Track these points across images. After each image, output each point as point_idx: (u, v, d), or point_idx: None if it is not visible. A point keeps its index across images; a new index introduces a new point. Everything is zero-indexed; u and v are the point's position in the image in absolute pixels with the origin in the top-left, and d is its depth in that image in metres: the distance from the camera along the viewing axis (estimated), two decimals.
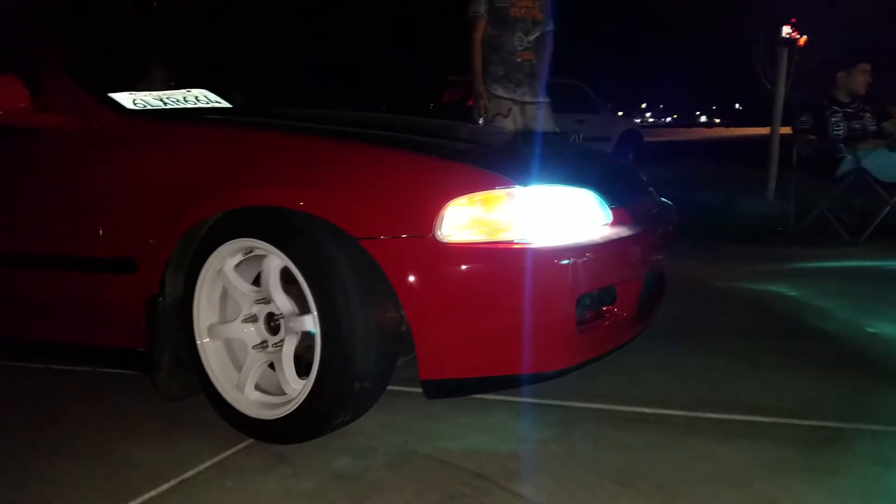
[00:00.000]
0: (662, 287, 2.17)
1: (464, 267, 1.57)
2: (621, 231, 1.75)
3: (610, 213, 1.76)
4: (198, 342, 1.69)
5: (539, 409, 1.90)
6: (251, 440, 1.69)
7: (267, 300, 1.68)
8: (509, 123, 3.37)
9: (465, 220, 1.57)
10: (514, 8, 3.33)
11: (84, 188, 1.74)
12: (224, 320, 1.71)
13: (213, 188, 1.63)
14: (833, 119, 4.54)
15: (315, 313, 1.56)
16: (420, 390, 1.66)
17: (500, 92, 3.38)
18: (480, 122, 3.42)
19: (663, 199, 2.29)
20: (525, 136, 2.11)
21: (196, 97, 1.99)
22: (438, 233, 1.55)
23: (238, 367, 1.71)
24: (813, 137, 4.57)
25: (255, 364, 1.68)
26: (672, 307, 2.74)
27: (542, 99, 3.48)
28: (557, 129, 3.56)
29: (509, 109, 3.38)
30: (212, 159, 1.69)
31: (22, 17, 2.00)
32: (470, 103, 3.47)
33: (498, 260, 1.58)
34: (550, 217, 1.66)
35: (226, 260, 1.66)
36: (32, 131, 1.75)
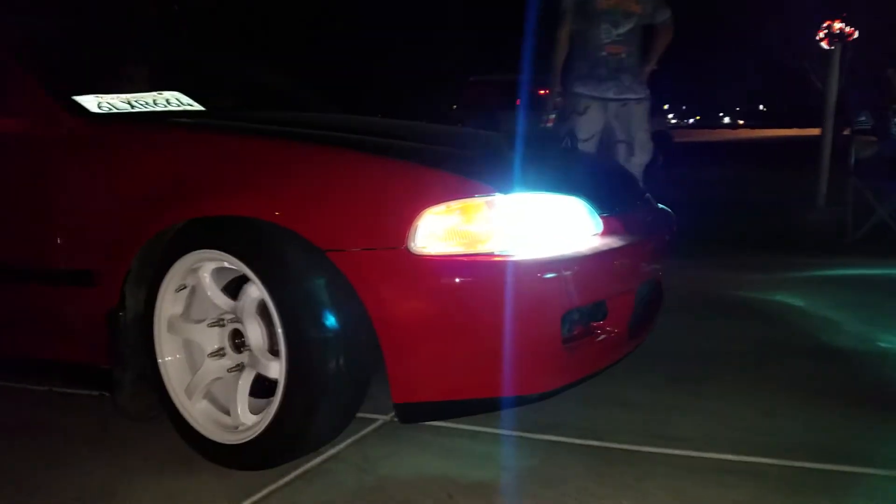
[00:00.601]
0: (660, 300, 2.06)
1: (439, 281, 1.50)
2: (612, 241, 1.65)
3: (600, 222, 1.67)
4: (159, 360, 1.65)
5: (605, 453, 1.68)
6: (272, 487, 1.53)
7: (235, 319, 1.63)
8: (585, 122, 3.27)
9: (441, 230, 1.50)
10: (601, 0, 3.23)
11: (43, 195, 1.72)
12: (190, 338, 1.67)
13: (174, 196, 1.59)
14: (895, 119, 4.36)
15: (280, 330, 1.51)
16: (456, 427, 1.60)
17: (579, 88, 3.29)
18: (551, 118, 3.36)
19: (661, 205, 2.19)
20: (512, 139, 2.03)
21: (167, 100, 1.97)
22: (412, 244, 1.48)
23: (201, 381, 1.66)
24: (873, 138, 4.39)
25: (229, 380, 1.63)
26: (740, 329, 2.62)
27: (634, 96, 3.32)
28: (646, 128, 3.40)
29: (586, 107, 3.27)
30: (172, 165, 1.65)
31: None
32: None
33: (477, 273, 1.51)
34: (534, 227, 1.57)
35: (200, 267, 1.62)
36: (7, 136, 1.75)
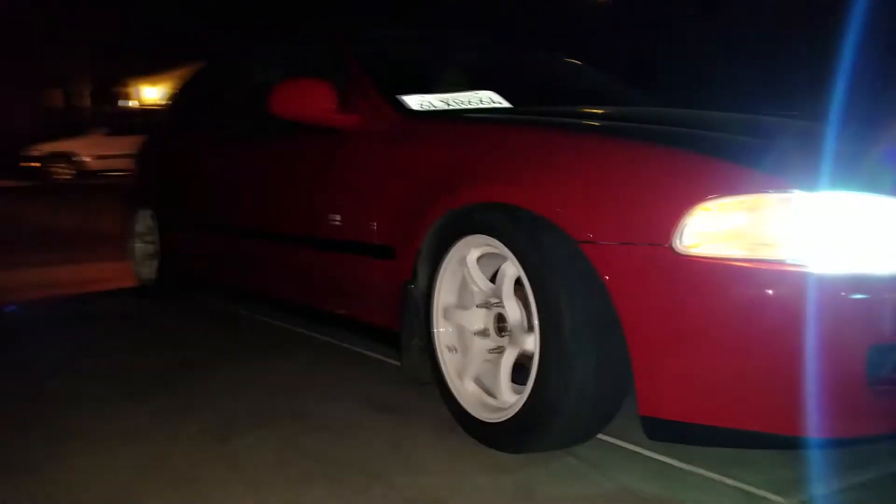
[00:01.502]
0: None
1: (708, 286, 1.36)
2: None
3: None
4: (435, 330, 1.82)
5: None
6: None
7: (499, 303, 1.70)
8: None
9: (716, 228, 1.36)
10: None
11: (366, 180, 2.04)
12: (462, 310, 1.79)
13: (454, 184, 1.73)
14: None
15: (535, 321, 1.52)
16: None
17: None
18: None
19: None
20: (831, 126, 1.67)
21: (481, 99, 2.15)
22: (678, 242, 1.36)
23: (473, 366, 1.77)
24: None
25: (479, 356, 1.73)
26: None
27: None
28: None
29: None
30: (457, 156, 1.80)
31: (333, 27, 2.47)
32: None
33: (758, 283, 1.32)
34: (844, 235, 1.31)
35: (470, 251, 1.74)
36: (334, 130, 2.13)
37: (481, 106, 2.15)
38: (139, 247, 3.49)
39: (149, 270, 3.41)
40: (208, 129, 3.08)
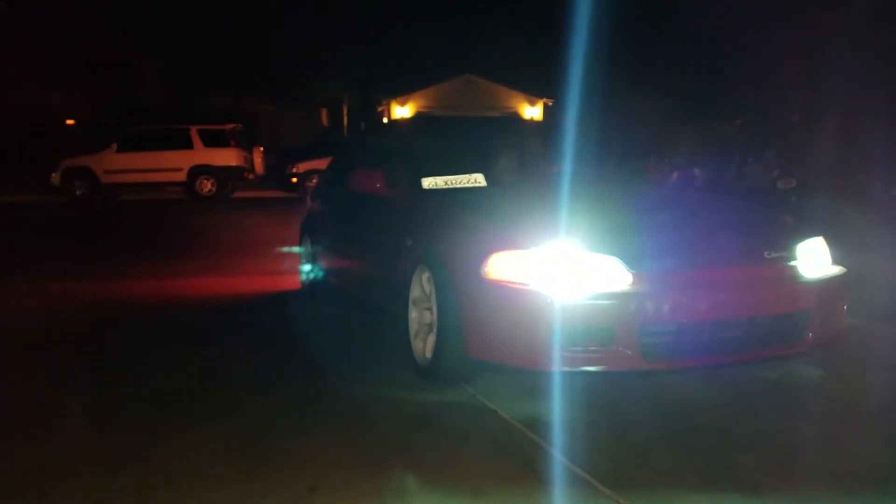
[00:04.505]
0: (736, 346, 2.95)
1: (497, 294, 2.97)
2: (633, 288, 2.80)
3: (630, 275, 2.81)
4: (409, 315, 3.56)
5: None
6: None
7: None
8: None
9: (500, 265, 2.96)
10: None
11: (397, 228, 3.81)
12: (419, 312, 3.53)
13: (423, 235, 3.51)
14: None
15: (435, 306, 3.24)
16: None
17: None
18: None
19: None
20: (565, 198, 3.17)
21: (468, 179, 3.82)
22: (484, 271, 2.99)
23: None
24: None
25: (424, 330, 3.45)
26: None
27: None
28: None
29: None
30: (423, 222, 3.58)
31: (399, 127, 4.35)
32: None
33: (517, 295, 2.91)
34: (560, 271, 2.83)
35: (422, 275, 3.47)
36: (384, 198, 3.99)
37: (467, 185, 3.82)
38: (302, 262, 5.61)
39: (306, 278, 5.53)
40: (331, 187, 5.22)
